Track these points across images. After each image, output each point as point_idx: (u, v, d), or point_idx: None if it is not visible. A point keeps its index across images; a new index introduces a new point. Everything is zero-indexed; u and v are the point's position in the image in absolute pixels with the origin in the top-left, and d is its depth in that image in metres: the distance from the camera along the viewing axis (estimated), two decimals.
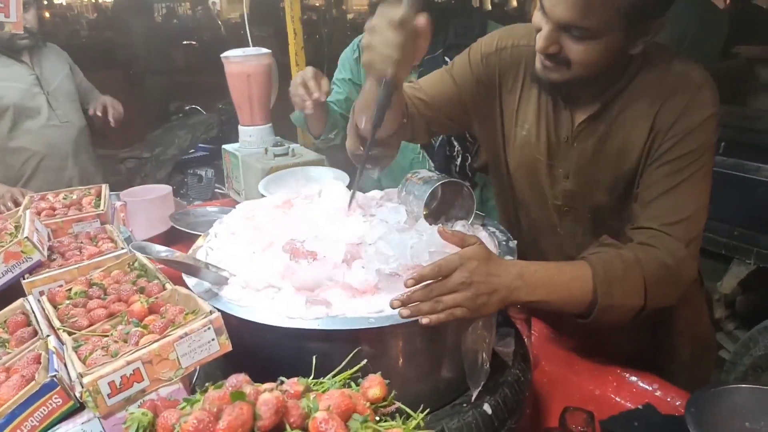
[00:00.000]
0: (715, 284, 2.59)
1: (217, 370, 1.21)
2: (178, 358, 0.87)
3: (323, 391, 0.70)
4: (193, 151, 4.88)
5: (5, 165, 2.56)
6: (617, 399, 1.42)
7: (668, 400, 1.38)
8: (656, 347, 1.55)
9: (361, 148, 1.34)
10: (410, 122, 1.41)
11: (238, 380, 0.64)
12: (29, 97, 2.57)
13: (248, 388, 0.61)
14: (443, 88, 1.45)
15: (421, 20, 1.06)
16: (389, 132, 1.33)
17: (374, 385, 0.71)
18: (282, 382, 0.73)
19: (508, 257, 1.25)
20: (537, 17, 1.19)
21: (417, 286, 1.02)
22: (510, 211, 1.56)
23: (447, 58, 2.02)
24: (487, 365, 1.16)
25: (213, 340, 0.92)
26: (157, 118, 5.60)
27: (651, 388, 1.42)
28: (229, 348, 0.95)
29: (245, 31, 2.47)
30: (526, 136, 1.40)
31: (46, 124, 2.62)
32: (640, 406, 1.37)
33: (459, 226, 1.33)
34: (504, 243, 1.32)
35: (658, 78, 1.24)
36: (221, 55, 2.31)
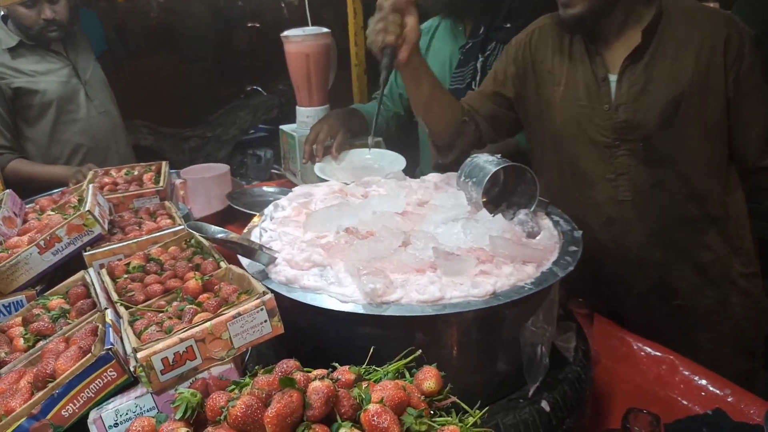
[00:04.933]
0: None
1: (269, 350, 1.21)
2: (230, 337, 0.86)
3: (376, 381, 0.67)
4: (253, 131, 4.94)
5: (51, 159, 2.52)
6: (684, 402, 1.33)
7: (742, 407, 1.28)
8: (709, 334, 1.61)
9: (440, 160, 1.68)
10: (473, 122, 1.65)
11: (289, 366, 0.62)
12: (69, 89, 2.53)
13: (298, 375, 0.59)
14: (487, 81, 1.70)
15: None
16: (450, 130, 1.61)
17: (429, 378, 0.67)
18: (333, 369, 0.70)
19: (573, 248, 1.19)
20: None
21: None
22: (556, 171, 1.65)
23: (490, 46, 1.99)
24: (546, 360, 1.10)
25: (265, 321, 0.90)
26: (219, 99, 5.70)
27: (722, 393, 1.32)
28: (281, 331, 0.93)
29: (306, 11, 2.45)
30: (564, 90, 1.56)
31: (86, 116, 2.58)
32: (709, 411, 1.28)
33: (522, 214, 1.27)
34: (569, 232, 1.26)
35: (687, 14, 1.44)
36: (281, 35, 2.29)
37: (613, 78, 1.49)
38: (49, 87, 2.47)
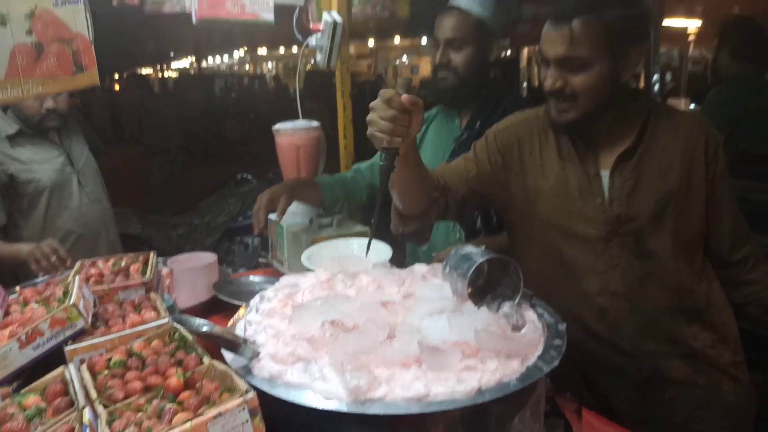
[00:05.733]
0: None
1: None
2: None
3: None
4: (241, 218, 4.97)
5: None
6: None
7: None
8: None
9: (401, 228, 1.59)
10: (444, 199, 1.62)
11: None
12: (62, 177, 2.56)
13: None
14: (468, 164, 1.69)
15: (404, 97, 1.29)
16: (421, 206, 1.56)
17: None
18: None
19: (557, 341, 1.19)
20: (543, 69, 1.51)
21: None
22: (543, 262, 1.64)
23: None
24: None
25: (247, 421, 0.88)
26: (210, 186, 5.78)
27: None
28: (263, 431, 0.91)
29: (298, 103, 2.56)
30: (555, 185, 1.59)
31: (79, 203, 2.61)
32: None
33: (506, 306, 1.28)
34: (553, 325, 1.27)
35: (670, 117, 1.55)
36: (273, 127, 2.38)
37: (604, 173, 1.55)
38: (44, 175, 2.51)
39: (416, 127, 1.35)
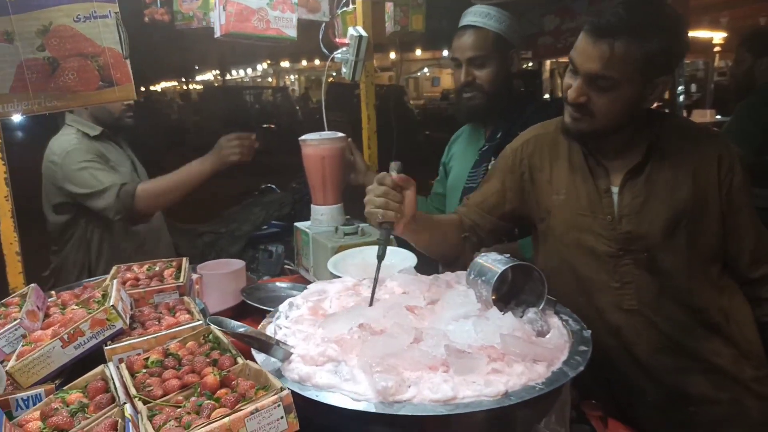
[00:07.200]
0: None
1: None
2: None
3: None
4: (265, 227, 5.05)
5: (119, 250, 2.57)
6: None
7: None
8: None
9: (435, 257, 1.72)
10: (475, 236, 1.69)
11: None
12: (133, 180, 2.64)
13: None
14: (489, 189, 1.74)
15: (395, 176, 1.42)
16: (451, 253, 1.67)
17: None
18: None
19: (583, 347, 1.21)
20: (568, 77, 1.48)
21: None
22: (559, 276, 1.61)
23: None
24: None
25: (282, 418, 0.92)
26: (234, 196, 5.88)
27: None
28: (297, 428, 0.95)
29: (321, 115, 2.62)
30: (565, 200, 1.60)
31: None
32: None
33: (531, 312, 1.30)
34: (578, 332, 1.28)
35: (681, 133, 1.54)
36: (299, 138, 2.43)
37: (615, 189, 1.53)
38: (124, 177, 2.58)
39: (410, 204, 1.45)
